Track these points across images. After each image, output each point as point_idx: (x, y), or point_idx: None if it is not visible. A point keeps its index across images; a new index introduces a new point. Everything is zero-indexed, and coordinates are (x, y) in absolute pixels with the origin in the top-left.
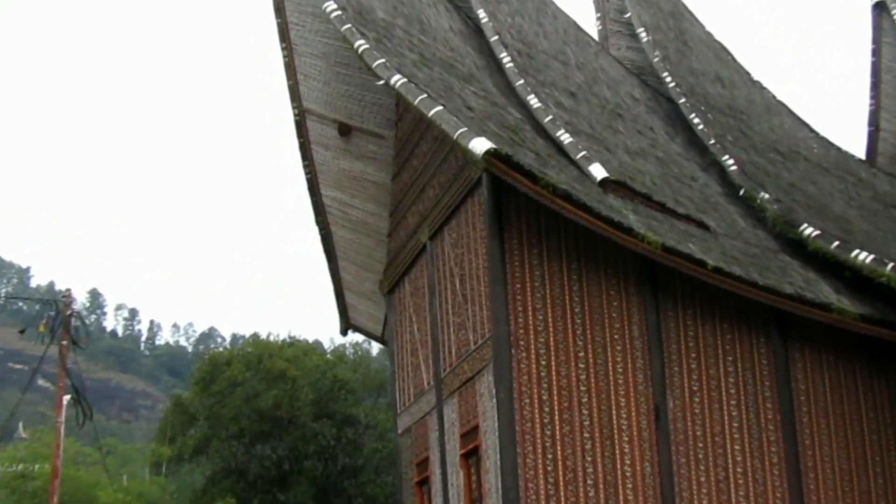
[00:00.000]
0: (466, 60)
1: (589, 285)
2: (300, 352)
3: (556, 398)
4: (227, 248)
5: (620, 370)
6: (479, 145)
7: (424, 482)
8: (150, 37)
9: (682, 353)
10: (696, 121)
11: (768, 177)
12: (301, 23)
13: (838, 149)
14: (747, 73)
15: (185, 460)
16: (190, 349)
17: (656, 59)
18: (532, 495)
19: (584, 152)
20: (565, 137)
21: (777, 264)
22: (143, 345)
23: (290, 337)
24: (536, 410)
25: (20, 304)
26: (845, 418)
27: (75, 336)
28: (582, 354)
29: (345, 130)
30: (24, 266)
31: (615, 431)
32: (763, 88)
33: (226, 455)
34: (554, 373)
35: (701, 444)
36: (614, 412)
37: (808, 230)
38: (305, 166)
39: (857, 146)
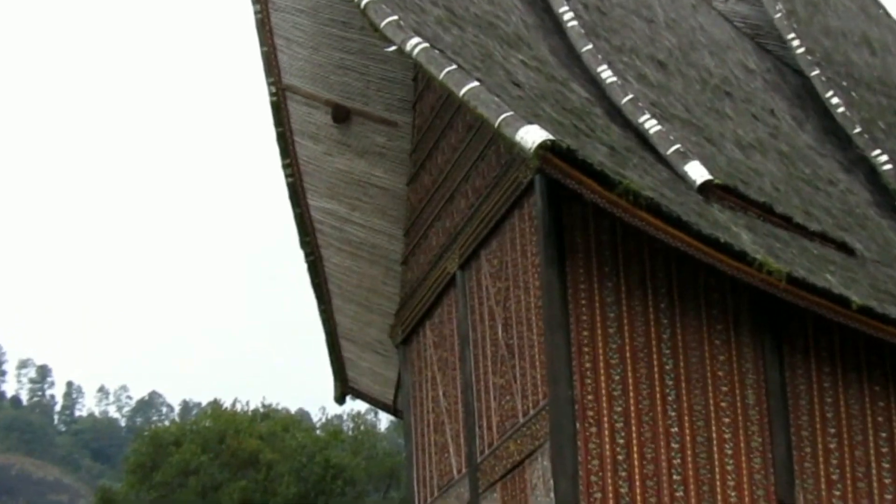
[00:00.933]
0: (512, 17)
1: (685, 332)
2: (278, 426)
3: (638, 491)
4: (172, 283)
5: (730, 452)
6: (531, 136)
7: None
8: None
9: (817, 427)
10: (836, 101)
11: None
12: None
13: None
14: None
15: None
16: (123, 422)
17: (779, 15)
18: None
19: (677, 146)
20: (651, 124)
21: None
22: (56, 417)
23: (263, 406)
24: None
25: None
26: None
27: None
28: (675, 430)
29: (341, 116)
30: None
31: None
32: None
33: None
34: (636, 455)
35: None
36: None
37: None
38: (286, 166)
39: None
